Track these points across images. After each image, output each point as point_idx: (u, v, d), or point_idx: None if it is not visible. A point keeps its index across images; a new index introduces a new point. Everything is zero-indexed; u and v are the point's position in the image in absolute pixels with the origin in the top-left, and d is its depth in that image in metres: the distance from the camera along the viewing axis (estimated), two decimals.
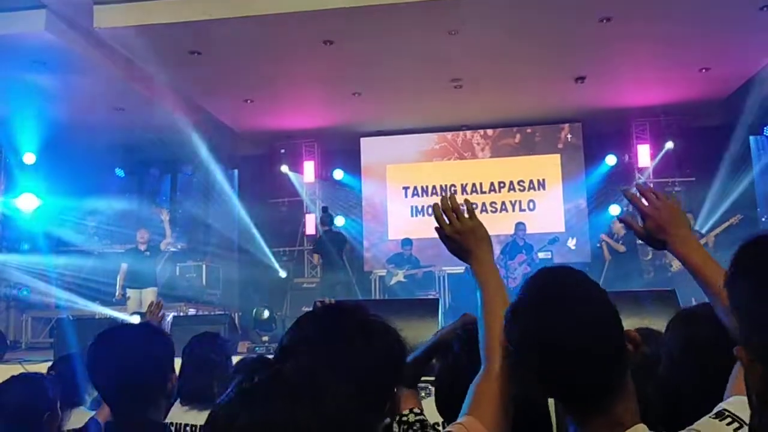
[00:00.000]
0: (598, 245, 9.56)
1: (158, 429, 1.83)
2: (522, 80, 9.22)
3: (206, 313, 9.03)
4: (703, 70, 9.11)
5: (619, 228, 9.17)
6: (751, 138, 10.49)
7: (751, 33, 7.83)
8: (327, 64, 8.43)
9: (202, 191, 11.10)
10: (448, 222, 1.57)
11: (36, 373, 2.42)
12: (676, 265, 8.63)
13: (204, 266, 10.08)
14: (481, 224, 1.58)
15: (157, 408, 1.82)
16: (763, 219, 9.93)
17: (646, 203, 1.57)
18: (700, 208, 9.96)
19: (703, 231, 9.09)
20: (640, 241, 9.13)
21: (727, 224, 8.68)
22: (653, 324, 3.56)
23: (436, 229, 1.60)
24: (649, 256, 9.52)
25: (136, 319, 7.31)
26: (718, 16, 7.42)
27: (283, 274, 10.85)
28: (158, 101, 8.92)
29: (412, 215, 11.48)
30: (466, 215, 1.58)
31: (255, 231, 10.96)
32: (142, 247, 8.74)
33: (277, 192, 11.94)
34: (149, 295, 8.71)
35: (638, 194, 1.61)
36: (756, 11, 7.18)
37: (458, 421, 1.29)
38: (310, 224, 11.63)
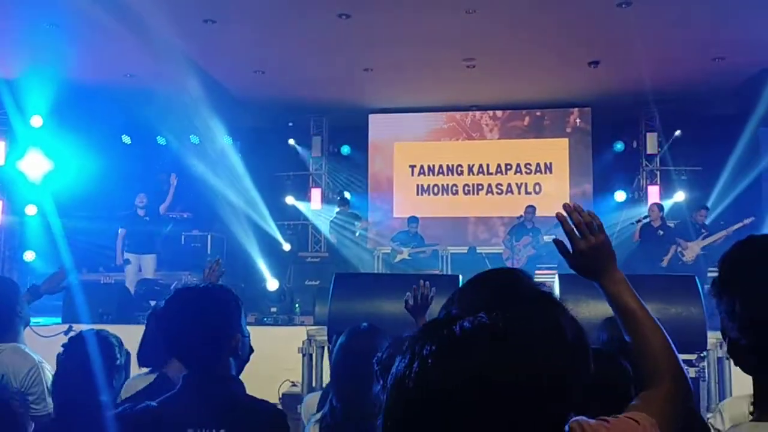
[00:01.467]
0: (634, 222, 9.28)
1: (228, 382, 1.89)
2: (536, 62, 9.18)
3: None
4: (717, 59, 9.08)
5: (656, 216, 9.08)
6: (762, 129, 10.49)
7: (765, 23, 7.80)
8: (341, 38, 8.38)
9: (209, 161, 11.07)
10: (579, 236, 1.43)
11: (103, 331, 2.47)
12: (688, 255, 8.68)
13: (209, 236, 10.10)
14: (610, 240, 1.46)
15: (224, 364, 1.89)
16: None
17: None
18: (707, 199, 9.98)
19: (711, 230, 9.04)
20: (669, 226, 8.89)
21: (740, 225, 8.68)
22: (675, 307, 3.64)
23: (556, 242, 1.48)
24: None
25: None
26: (735, 5, 7.38)
27: (287, 247, 10.87)
28: (169, 69, 8.87)
29: (418, 194, 11.49)
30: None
31: (260, 203, 10.97)
32: (141, 212, 8.72)
33: (283, 165, 11.92)
34: (149, 261, 8.72)
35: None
36: None
37: (628, 414, 1.26)
38: (316, 199, 11.63)
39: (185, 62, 8.76)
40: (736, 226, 8.68)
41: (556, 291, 3.64)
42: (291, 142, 11.51)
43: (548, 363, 0.84)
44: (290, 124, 11.78)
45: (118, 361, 2.40)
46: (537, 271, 9.07)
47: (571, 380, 0.86)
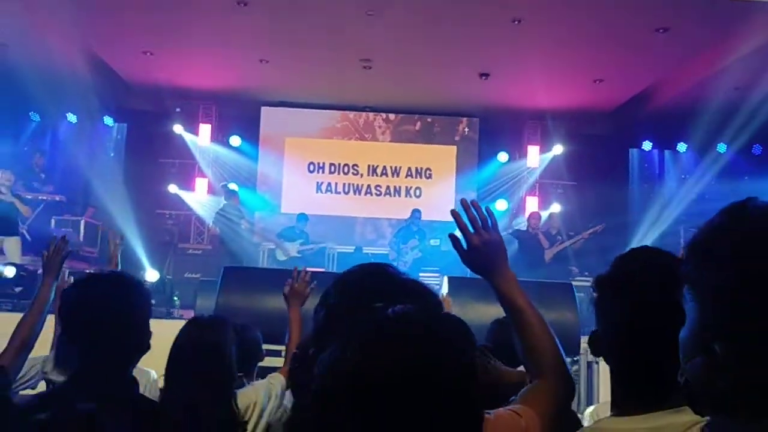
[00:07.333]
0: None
1: (129, 383, 1.78)
2: (430, 70, 9.38)
3: (80, 270, 8.52)
4: (597, 82, 9.68)
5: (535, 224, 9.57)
6: (631, 150, 11.31)
7: (644, 52, 8.42)
8: (238, 26, 8.16)
9: (86, 143, 10.44)
10: (473, 231, 1.45)
11: None
12: (547, 257, 9.20)
13: (82, 222, 9.50)
14: (502, 239, 1.49)
15: (128, 363, 1.80)
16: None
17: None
18: (578, 212, 10.60)
19: (572, 233, 9.71)
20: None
21: (591, 231, 9.31)
22: (552, 313, 3.83)
23: (452, 237, 1.48)
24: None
25: (10, 271, 6.81)
26: (618, 32, 7.90)
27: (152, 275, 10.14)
28: (49, 42, 8.28)
29: (306, 191, 11.40)
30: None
31: (141, 190, 10.47)
32: (3, 191, 8.06)
33: (167, 152, 11.44)
34: (12, 244, 8.09)
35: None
36: (652, 32, 7.72)
37: (512, 407, 1.30)
38: (202, 189, 11.25)
39: (67, 36, 8.20)
40: (587, 233, 9.28)
41: (444, 292, 3.75)
42: (177, 128, 11.06)
43: (465, 353, 0.89)
44: (178, 109, 11.32)
45: None
46: (421, 274, 9.27)
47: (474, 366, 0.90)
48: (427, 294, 1.24)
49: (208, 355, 2.24)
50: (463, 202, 1.49)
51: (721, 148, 10.38)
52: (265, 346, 3.25)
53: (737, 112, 8.94)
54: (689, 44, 8.05)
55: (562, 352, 1.43)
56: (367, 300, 1.11)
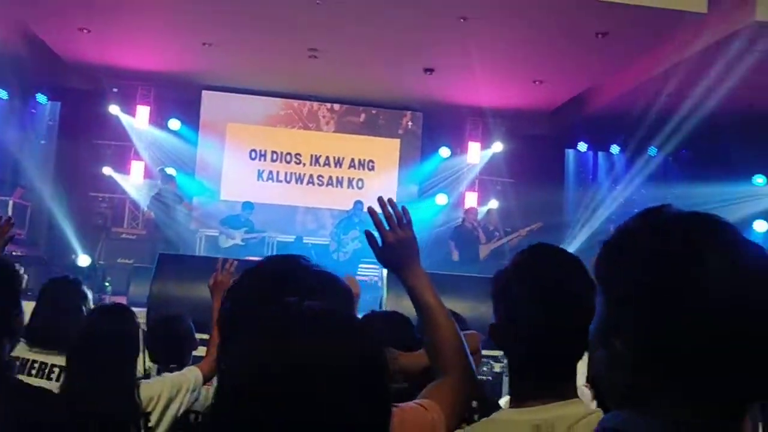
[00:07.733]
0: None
1: (3, 367, 1.70)
2: (376, 62, 9.40)
3: (7, 252, 8.20)
4: (537, 82, 9.89)
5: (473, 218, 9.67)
6: (567, 151, 11.61)
7: (584, 55, 8.64)
8: (181, 6, 7.98)
9: (17, 120, 10.02)
10: (388, 228, 1.49)
11: None
12: (482, 253, 9.38)
13: (11, 202, 9.13)
14: (416, 237, 1.52)
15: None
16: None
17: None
18: (516, 209, 10.82)
19: (508, 229, 9.91)
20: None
21: (528, 229, 9.50)
22: (486, 306, 3.90)
23: (367, 233, 1.52)
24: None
25: None
26: (559, 34, 8.08)
27: (84, 260, 9.80)
28: None
29: (247, 178, 11.26)
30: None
31: (74, 172, 10.14)
32: None
33: (103, 133, 11.09)
34: None
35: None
36: (592, 37, 7.93)
37: (418, 401, 1.34)
38: (137, 171, 10.96)
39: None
40: (525, 231, 9.45)
41: (384, 284, 3.77)
42: (113, 109, 10.73)
43: (379, 347, 0.92)
44: (115, 89, 10.98)
45: None
46: (361, 265, 9.34)
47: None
48: (338, 285, 1.25)
49: (111, 343, 2.25)
50: (380, 200, 1.53)
51: (652, 151, 10.78)
52: (199, 335, 3.22)
53: (668, 118, 9.29)
54: (626, 50, 8.33)
55: (467, 350, 1.47)
56: (277, 292, 1.09)
